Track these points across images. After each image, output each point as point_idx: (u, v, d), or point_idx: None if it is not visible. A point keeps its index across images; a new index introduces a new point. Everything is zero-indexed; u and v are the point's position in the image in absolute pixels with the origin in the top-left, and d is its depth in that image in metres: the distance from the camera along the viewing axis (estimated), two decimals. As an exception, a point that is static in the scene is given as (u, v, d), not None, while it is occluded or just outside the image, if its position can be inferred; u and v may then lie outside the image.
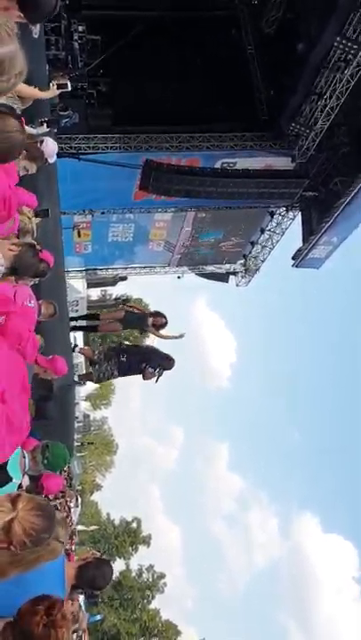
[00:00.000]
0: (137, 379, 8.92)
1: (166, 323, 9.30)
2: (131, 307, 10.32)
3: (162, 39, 13.58)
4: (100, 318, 10.79)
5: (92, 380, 9.28)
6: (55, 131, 7.86)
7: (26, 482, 3.79)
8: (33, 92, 4.49)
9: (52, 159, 5.68)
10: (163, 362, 8.64)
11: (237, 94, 13.79)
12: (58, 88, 5.32)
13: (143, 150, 12.96)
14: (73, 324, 10.78)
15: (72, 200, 13.56)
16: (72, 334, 11.88)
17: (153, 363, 8.55)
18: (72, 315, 11.83)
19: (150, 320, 9.28)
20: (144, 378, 8.65)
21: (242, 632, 79.95)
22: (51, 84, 5.32)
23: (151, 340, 10.08)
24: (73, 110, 11.67)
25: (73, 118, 11.97)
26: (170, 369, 8.82)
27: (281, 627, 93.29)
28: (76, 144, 12.48)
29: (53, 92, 5.26)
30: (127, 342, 14.81)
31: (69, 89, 5.48)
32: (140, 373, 8.66)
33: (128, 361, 8.76)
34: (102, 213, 15.57)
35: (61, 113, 10.85)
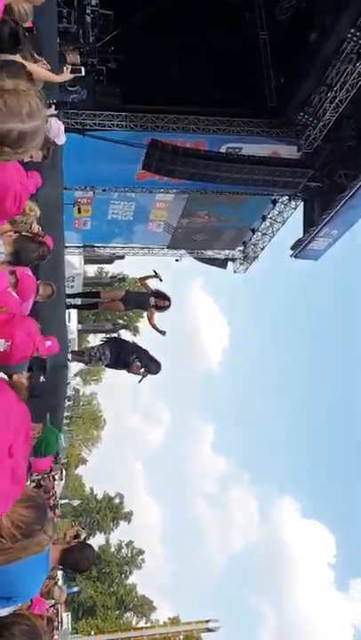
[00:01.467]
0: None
1: (169, 306, 9.05)
2: (143, 283, 9.87)
3: (175, 19, 13.36)
4: (101, 296, 10.70)
5: (83, 361, 9.22)
6: (63, 111, 7.77)
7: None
8: (46, 74, 4.44)
9: (60, 140, 5.61)
10: (150, 364, 8.54)
11: (247, 79, 13.67)
12: (71, 72, 5.25)
13: (149, 130, 12.86)
14: (70, 301, 10.69)
15: (74, 177, 13.46)
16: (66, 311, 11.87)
17: (142, 360, 8.49)
18: (67, 291, 11.76)
19: (153, 300, 8.98)
20: (129, 370, 8.51)
21: (217, 611, 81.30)
22: (65, 68, 5.24)
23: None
24: (81, 86, 11.51)
25: (81, 94, 11.82)
26: (155, 374, 8.72)
27: (255, 608, 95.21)
28: (82, 120, 12.37)
29: (67, 75, 5.20)
30: (121, 321, 14.66)
31: (83, 73, 5.41)
32: (125, 366, 8.54)
33: (119, 346, 8.74)
34: (104, 190, 15.47)
35: (69, 88, 10.70)
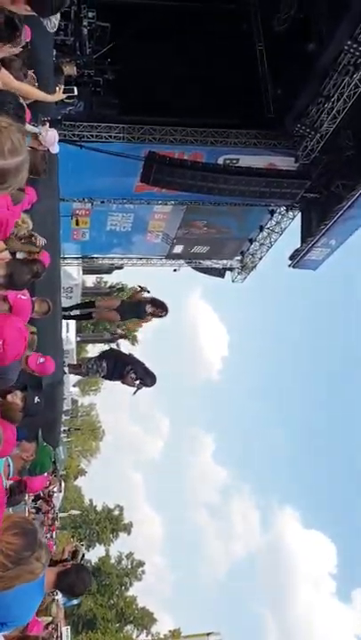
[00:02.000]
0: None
1: (166, 314, 9.07)
2: (136, 297, 9.82)
3: (171, 31, 13.42)
4: (96, 306, 10.68)
5: (80, 374, 9.21)
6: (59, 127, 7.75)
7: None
8: (37, 93, 4.42)
9: (54, 149, 5.58)
10: (145, 377, 8.52)
11: (244, 91, 13.70)
12: (64, 92, 5.24)
13: (146, 142, 12.86)
14: (66, 314, 10.66)
15: (72, 189, 13.46)
16: (64, 322, 11.80)
17: (137, 372, 8.46)
18: (65, 302, 11.72)
19: (150, 308, 8.99)
20: (124, 382, 8.52)
21: (218, 622, 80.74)
22: (57, 88, 5.22)
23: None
24: (78, 98, 11.51)
25: (78, 106, 11.82)
26: (150, 386, 8.70)
27: (257, 617, 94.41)
28: (79, 132, 12.37)
29: (59, 95, 5.18)
30: (119, 330, 14.57)
31: (76, 93, 5.40)
32: (120, 378, 8.52)
33: (116, 359, 8.71)
34: (102, 202, 15.48)
35: (66, 101, 10.71)
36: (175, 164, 12.63)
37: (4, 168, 1.66)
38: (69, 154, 11.78)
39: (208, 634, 30.46)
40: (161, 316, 9.08)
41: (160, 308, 9.02)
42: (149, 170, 12.52)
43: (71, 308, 11.53)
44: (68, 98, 5.38)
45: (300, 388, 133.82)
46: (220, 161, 13.53)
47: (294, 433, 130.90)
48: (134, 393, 8.66)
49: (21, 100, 3.91)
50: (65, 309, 10.14)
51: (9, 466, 3.14)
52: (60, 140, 6.07)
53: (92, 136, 12.49)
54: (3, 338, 2.94)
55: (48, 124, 4.84)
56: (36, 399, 4.11)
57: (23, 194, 4.11)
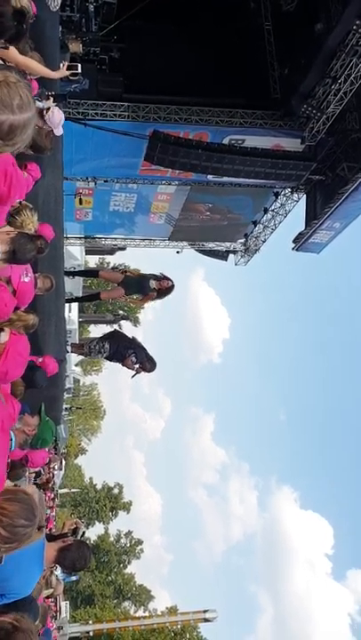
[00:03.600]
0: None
1: (173, 287, 8.78)
2: (130, 272, 9.83)
3: (178, 9, 13.21)
4: (99, 275, 10.63)
5: (82, 354, 9.22)
6: (63, 103, 7.65)
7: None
8: (42, 69, 4.37)
9: (59, 131, 5.54)
10: (145, 362, 8.51)
11: (251, 70, 13.50)
12: (68, 69, 5.17)
13: (151, 121, 12.75)
14: (72, 295, 10.65)
15: (76, 167, 13.40)
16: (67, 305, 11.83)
17: (138, 356, 8.46)
18: (68, 282, 11.70)
19: (153, 283, 8.74)
20: (123, 364, 8.51)
21: (215, 600, 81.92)
22: (61, 65, 5.16)
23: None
24: (83, 76, 11.37)
25: (83, 84, 11.70)
26: (149, 372, 8.69)
27: (253, 596, 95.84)
28: (83, 110, 12.26)
29: (62, 73, 5.11)
30: (121, 312, 14.64)
31: (80, 71, 5.33)
32: (120, 360, 8.52)
33: (117, 340, 8.72)
34: (105, 181, 15.39)
35: (71, 78, 10.56)
36: (180, 144, 12.54)
37: (12, 124, 1.64)
38: (74, 132, 11.70)
39: (205, 611, 30.83)
40: (168, 289, 8.85)
41: (165, 280, 8.78)
42: (154, 149, 12.44)
43: (75, 274, 11.41)
44: (72, 75, 5.28)
45: (300, 371, 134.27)
46: (226, 141, 13.42)
47: (294, 415, 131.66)
48: (133, 376, 8.67)
49: (28, 76, 3.89)
50: (67, 273, 9.97)
51: (11, 439, 3.17)
52: (64, 119, 6.02)
53: (96, 114, 12.38)
54: (5, 370, 2.94)
55: (52, 100, 4.78)
56: (39, 373, 4.15)
57: None
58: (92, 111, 12.36)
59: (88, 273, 16.43)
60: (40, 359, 4.85)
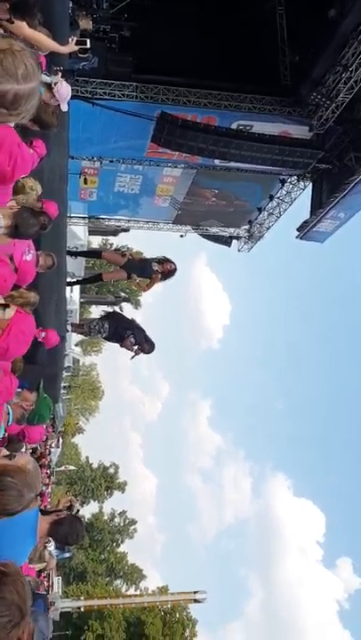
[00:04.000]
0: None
1: (175, 270, 8.79)
2: (132, 255, 9.83)
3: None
4: (102, 256, 10.67)
5: (83, 333, 9.29)
6: (72, 79, 7.60)
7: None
8: (51, 44, 4.35)
9: (64, 106, 5.53)
10: (144, 343, 8.55)
11: (261, 56, 13.35)
12: (77, 44, 5.15)
13: (160, 102, 12.66)
14: (74, 276, 10.67)
15: (82, 147, 13.33)
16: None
17: (136, 337, 8.51)
18: (70, 262, 11.73)
19: (156, 266, 8.71)
20: (122, 345, 8.54)
21: (205, 582, 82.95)
22: (70, 39, 5.13)
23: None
24: (93, 54, 11.27)
25: (92, 62, 11.58)
26: (147, 353, 8.74)
27: (243, 580, 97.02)
28: (92, 88, 12.18)
29: (71, 47, 5.08)
30: (123, 294, 14.72)
31: (89, 46, 5.31)
32: (119, 340, 8.57)
33: (117, 321, 8.77)
34: (111, 162, 15.32)
35: (81, 55, 10.48)
36: (188, 127, 12.47)
37: (17, 93, 1.60)
38: (81, 111, 11.64)
39: (195, 592, 31.26)
40: (171, 272, 8.84)
41: (168, 262, 8.76)
42: (161, 130, 12.38)
43: (77, 254, 11.39)
44: (81, 51, 5.27)
45: (299, 360, 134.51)
46: (234, 126, 13.34)
47: (291, 402, 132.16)
48: (132, 357, 8.74)
49: (37, 52, 3.88)
50: (70, 253, 9.97)
51: (8, 414, 3.23)
52: (72, 97, 6.00)
53: (104, 93, 12.30)
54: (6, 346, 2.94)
55: (60, 74, 4.76)
56: (39, 350, 4.19)
57: None
58: (101, 90, 12.28)
59: (91, 253, 16.03)
60: (43, 334, 4.87)
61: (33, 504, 2.17)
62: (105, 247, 40.91)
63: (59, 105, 5.36)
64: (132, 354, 8.64)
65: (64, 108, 5.35)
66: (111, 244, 41.29)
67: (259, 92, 13.28)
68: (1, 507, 1.85)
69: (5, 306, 2.74)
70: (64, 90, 5.25)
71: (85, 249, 21.75)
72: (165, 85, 12.71)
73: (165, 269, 8.73)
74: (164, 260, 8.80)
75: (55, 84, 5.03)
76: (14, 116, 1.66)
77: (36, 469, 2.25)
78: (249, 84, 13.24)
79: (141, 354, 8.68)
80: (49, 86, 5.02)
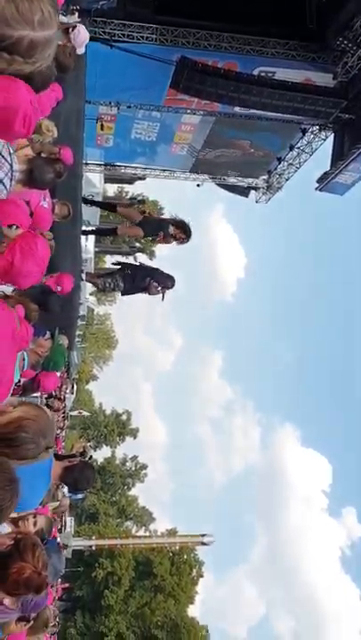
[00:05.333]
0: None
1: (187, 241, 8.88)
2: (149, 213, 9.76)
3: None
4: (117, 211, 10.58)
5: (96, 286, 9.32)
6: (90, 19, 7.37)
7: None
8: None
9: (81, 50, 5.39)
10: (165, 280, 8.61)
11: (287, -3, 12.79)
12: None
13: (180, 45, 12.24)
14: (88, 224, 10.61)
15: (99, 91, 13.02)
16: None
17: (158, 280, 8.54)
18: (85, 210, 11.63)
19: (172, 229, 8.75)
20: (149, 293, 8.63)
21: (212, 527, 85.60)
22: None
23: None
24: (111, -8, 10.85)
25: (111, 2, 11.14)
26: (172, 288, 8.80)
27: (249, 526, 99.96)
28: (110, 29, 11.78)
29: None
30: (138, 244, 14.68)
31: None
32: (143, 290, 8.63)
33: (133, 274, 8.77)
34: (128, 107, 14.98)
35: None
36: (208, 72, 12.10)
37: (32, 40, 1.52)
38: (99, 54, 11.32)
39: (202, 535, 32.38)
40: (182, 241, 8.89)
41: (182, 232, 8.79)
42: (181, 75, 12.02)
43: (93, 203, 11.29)
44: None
45: (311, 315, 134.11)
46: (256, 72, 12.92)
47: (302, 355, 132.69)
48: (163, 299, 8.78)
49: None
50: (85, 201, 9.92)
51: (24, 359, 3.30)
52: (89, 39, 5.84)
53: (123, 35, 11.91)
54: (11, 259, 2.89)
55: (77, 14, 4.62)
56: (53, 298, 4.23)
57: None
58: (119, 32, 11.88)
59: (106, 205, 15.09)
60: (59, 287, 4.90)
61: (45, 455, 2.24)
62: (120, 197, 40.49)
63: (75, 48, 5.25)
64: (161, 296, 8.71)
65: (80, 51, 5.23)
66: (127, 193, 40.84)
67: (283, 36, 12.75)
68: (20, 458, 1.93)
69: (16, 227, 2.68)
70: (81, 36, 5.12)
71: (101, 197, 21.55)
72: (186, 28, 12.26)
73: (178, 236, 8.79)
74: (181, 225, 8.81)
75: (72, 30, 4.89)
76: (29, 65, 1.59)
77: (52, 422, 2.31)
78: (272, 28, 12.71)
79: (167, 291, 8.76)
80: (66, 29, 4.90)
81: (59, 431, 15.47)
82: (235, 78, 12.35)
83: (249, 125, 15.66)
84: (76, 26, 5.12)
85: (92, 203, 11.11)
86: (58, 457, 4.04)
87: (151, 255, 46.07)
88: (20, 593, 2.53)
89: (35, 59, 1.58)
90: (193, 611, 44.12)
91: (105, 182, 27.18)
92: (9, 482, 1.94)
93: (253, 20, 12.53)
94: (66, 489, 7.03)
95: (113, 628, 37.95)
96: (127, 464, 53.72)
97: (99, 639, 38.21)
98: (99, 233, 14.82)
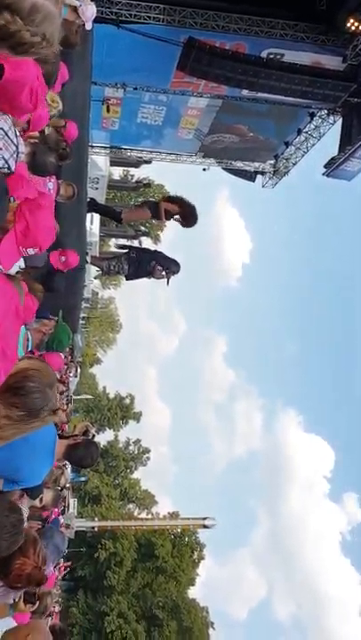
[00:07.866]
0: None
1: (189, 222, 9.06)
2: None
3: None
4: (122, 221, 10.70)
5: (101, 268, 9.33)
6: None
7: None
8: None
9: (89, 25, 5.34)
10: (170, 265, 8.62)
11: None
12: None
13: (187, 26, 12.10)
14: (95, 199, 10.57)
15: (105, 72, 12.89)
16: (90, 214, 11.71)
17: (162, 263, 8.55)
18: (91, 193, 11.57)
19: (166, 205, 9.00)
20: (154, 276, 8.66)
21: (214, 510, 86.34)
22: None
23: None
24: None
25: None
26: (177, 272, 8.83)
27: (250, 510, 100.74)
28: (117, 9, 11.65)
29: None
30: (143, 227, 14.59)
31: None
32: (148, 274, 8.64)
33: (138, 257, 8.78)
34: (135, 89, 14.85)
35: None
36: (215, 54, 11.98)
37: (35, 4, 1.44)
38: (105, 34, 11.19)
39: (204, 518, 32.63)
40: (182, 218, 9.00)
41: (178, 205, 8.91)
42: (188, 57, 11.91)
43: (95, 210, 11.21)
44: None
45: (316, 300, 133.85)
46: (264, 54, 12.78)
47: (305, 342, 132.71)
48: (168, 283, 8.81)
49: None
50: (90, 209, 9.97)
51: (28, 339, 3.30)
52: (96, 20, 5.78)
53: (130, 15, 11.77)
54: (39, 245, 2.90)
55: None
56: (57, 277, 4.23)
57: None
58: (126, 11, 11.74)
59: (110, 214, 11.98)
60: (63, 257, 4.89)
61: (51, 417, 2.23)
62: (125, 179, 40.21)
63: (83, 24, 5.19)
64: (166, 280, 8.73)
65: (88, 27, 5.19)
66: (132, 176, 40.62)
67: (292, 17, 12.56)
68: (28, 408, 1.94)
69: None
70: (89, 11, 5.07)
71: (106, 180, 21.44)
72: (193, 8, 12.10)
73: (176, 213, 8.91)
74: (177, 200, 8.96)
75: (80, 6, 4.85)
76: (29, 32, 1.48)
77: (54, 373, 2.31)
78: (282, 10, 12.53)
79: (172, 275, 8.78)
80: (74, 7, 4.85)
81: (62, 413, 15.50)
82: (243, 60, 12.22)
83: (256, 113, 15.53)
84: (81, 4, 5.06)
85: (96, 210, 11.07)
86: (61, 437, 4.06)
87: (156, 239, 45.94)
88: (21, 587, 2.70)
89: (35, 25, 1.47)
90: (193, 592, 44.70)
91: (110, 165, 27.01)
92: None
93: (262, 0, 12.34)
94: (69, 471, 7.08)
95: (114, 607, 38.44)
96: (130, 447, 54.01)
97: (100, 618, 38.72)
98: (104, 213, 14.61)
